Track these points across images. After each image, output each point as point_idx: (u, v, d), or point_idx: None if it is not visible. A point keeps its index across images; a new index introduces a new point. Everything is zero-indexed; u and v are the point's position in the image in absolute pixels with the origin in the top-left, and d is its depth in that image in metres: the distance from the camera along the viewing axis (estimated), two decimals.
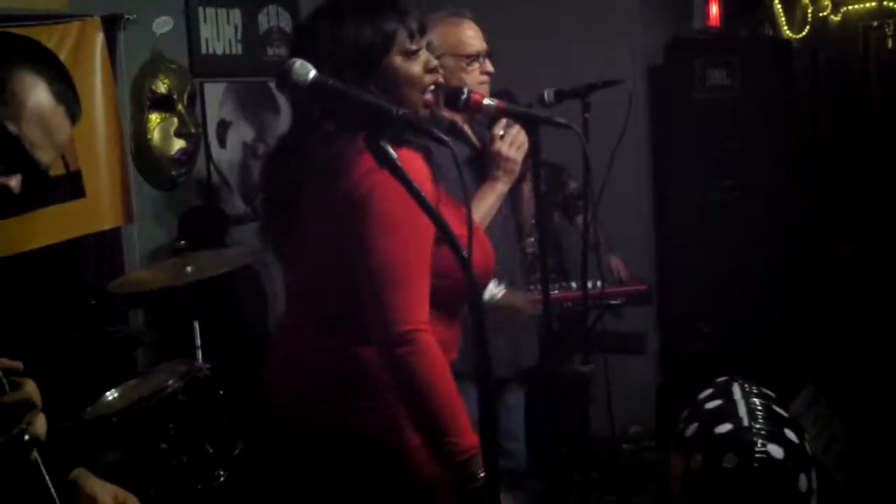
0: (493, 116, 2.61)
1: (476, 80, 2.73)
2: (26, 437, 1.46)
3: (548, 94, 3.04)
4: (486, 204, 2.66)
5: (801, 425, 1.57)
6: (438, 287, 2.09)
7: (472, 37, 2.83)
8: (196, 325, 3.28)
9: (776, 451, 1.49)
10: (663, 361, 5.17)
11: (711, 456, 1.50)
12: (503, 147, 2.66)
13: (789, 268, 5.09)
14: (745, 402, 1.56)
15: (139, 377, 3.22)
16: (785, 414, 1.57)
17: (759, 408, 1.55)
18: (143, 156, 4.12)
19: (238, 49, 4.56)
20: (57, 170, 3.74)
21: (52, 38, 3.63)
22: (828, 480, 3.21)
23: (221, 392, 3.12)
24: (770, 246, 4.99)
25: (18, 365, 1.47)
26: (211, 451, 3.00)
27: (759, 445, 1.48)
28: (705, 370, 4.63)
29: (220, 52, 4.46)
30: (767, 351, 4.82)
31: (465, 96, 2.27)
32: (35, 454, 1.52)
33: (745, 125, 4.96)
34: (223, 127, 4.49)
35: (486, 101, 2.33)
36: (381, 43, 2.08)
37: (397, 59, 2.10)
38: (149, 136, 4.12)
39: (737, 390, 1.61)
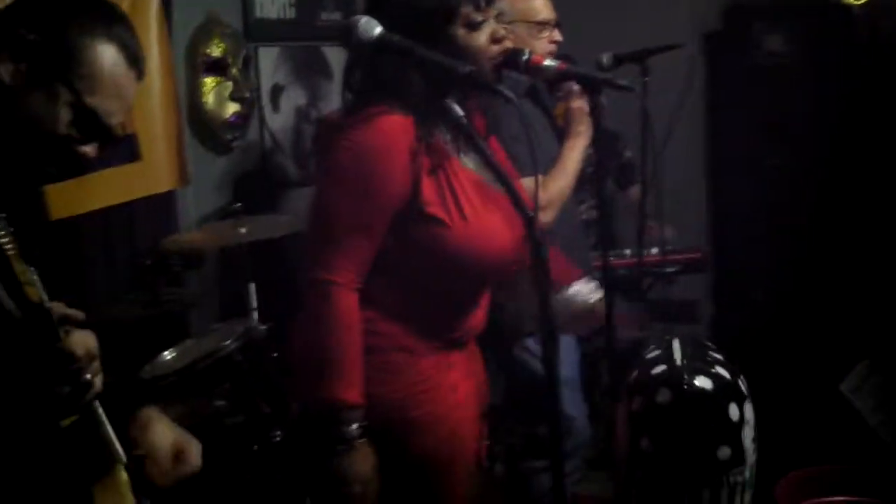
0: (553, 79, 2.59)
1: (544, 49, 2.75)
2: (87, 385, 1.47)
3: (606, 59, 3.03)
4: (574, 160, 2.68)
5: (735, 366, 1.67)
6: (429, 270, 2.14)
7: (542, 5, 2.88)
8: (251, 286, 3.30)
9: (705, 383, 1.59)
10: (715, 330, 5.13)
11: (648, 394, 1.61)
12: (582, 103, 2.66)
13: (846, 238, 5.01)
14: (682, 349, 1.67)
15: (196, 337, 3.25)
16: (718, 356, 1.68)
17: (693, 352, 1.67)
18: (197, 119, 4.14)
19: (292, 13, 4.55)
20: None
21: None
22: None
23: (277, 353, 3.14)
24: (826, 216, 4.91)
25: (79, 315, 1.48)
26: (267, 411, 3.03)
27: (687, 379, 1.59)
28: (758, 339, 4.61)
29: (273, 16, 4.46)
30: (821, 321, 4.76)
31: (525, 57, 2.24)
32: (96, 404, 1.54)
33: (802, 93, 4.86)
34: (277, 91, 4.50)
35: (547, 63, 2.31)
36: (441, 13, 2.08)
37: (461, 31, 2.11)
38: (203, 100, 4.14)
39: (676, 343, 1.71)
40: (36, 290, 1.39)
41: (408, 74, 1.95)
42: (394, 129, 2.03)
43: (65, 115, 1.55)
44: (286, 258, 4.17)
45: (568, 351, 3.27)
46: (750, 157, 4.98)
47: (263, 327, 3.16)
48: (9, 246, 1.36)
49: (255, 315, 3.30)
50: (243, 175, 4.33)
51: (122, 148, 3.79)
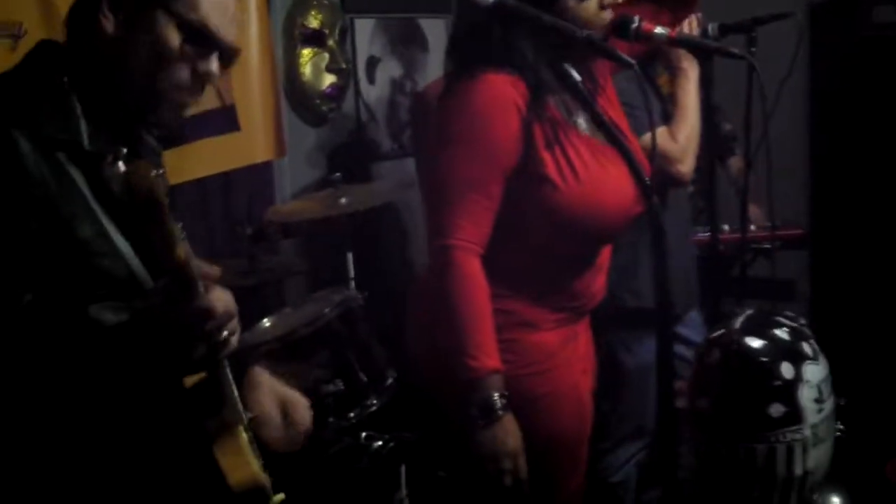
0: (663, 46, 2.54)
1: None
2: (225, 342, 1.47)
3: (711, 28, 2.95)
4: (691, 100, 2.68)
5: (805, 331, 1.68)
6: (545, 234, 2.11)
7: None
8: (350, 256, 3.32)
9: (755, 342, 1.62)
10: (814, 308, 5.01)
11: (701, 355, 1.66)
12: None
13: None
14: (749, 314, 1.70)
15: (295, 305, 3.28)
16: (786, 321, 1.69)
17: (757, 318, 1.70)
18: (294, 90, 4.17)
19: None
20: (211, 103, 3.82)
21: None
22: None
23: (374, 322, 3.15)
24: None
25: (216, 272, 1.48)
26: (364, 379, 3.04)
27: (736, 339, 1.63)
28: (857, 318, 4.49)
29: None
30: None
31: (635, 25, 2.20)
32: (224, 363, 1.54)
33: None
34: (372, 63, 4.50)
35: (658, 30, 2.26)
36: None
37: (571, 1, 2.07)
38: (300, 71, 4.17)
39: (747, 311, 1.74)
40: (183, 247, 1.39)
41: (522, 39, 1.93)
42: (503, 87, 2.01)
43: (174, 37, 1.56)
44: (382, 228, 4.20)
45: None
46: (854, 134, 4.84)
47: (361, 296, 3.16)
48: (166, 199, 1.38)
49: (353, 284, 3.31)
50: (338, 146, 4.35)
51: (220, 119, 3.84)
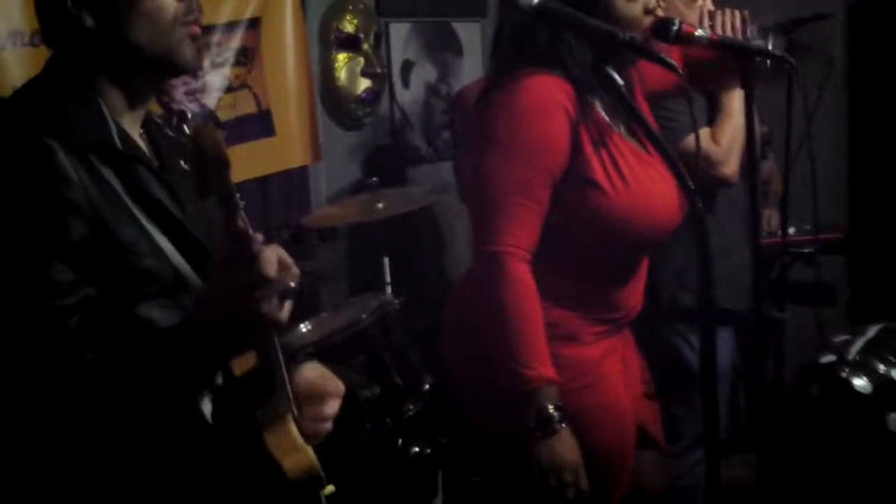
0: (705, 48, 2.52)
1: (697, 18, 2.66)
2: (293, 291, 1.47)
3: (751, 30, 2.92)
4: (735, 103, 2.62)
5: None
6: (592, 242, 2.07)
7: None
8: (386, 260, 3.32)
9: (861, 384, 1.45)
10: (852, 313, 4.95)
11: (802, 385, 1.46)
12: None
13: None
14: (870, 338, 1.48)
15: (331, 310, 3.28)
16: None
17: (879, 344, 1.44)
18: (329, 95, 4.18)
19: None
20: (248, 108, 3.84)
21: None
22: None
23: (411, 327, 3.15)
24: None
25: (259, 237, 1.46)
26: (401, 384, 3.04)
27: (843, 375, 1.40)
28: None
29: None
30: None
31: (675, 27, 2.18)
32: (277, 344, 1.54)
33: None
34: (407, 67, 4.51)
35: (699, 32, 2.23)
36: None
37: (620, 1, 2.05)
38: (336, 76, 4.17)
39: (874, 329, 1.53)
40: (243, 217, 1.40)
41: (566, 41, 1.90)
42: (550, 88, 1.97)
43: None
44: (418, 232, 4.19)
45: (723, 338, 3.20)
46: (894, 134, 4.78)
47: (397, 301, 3.16)
48: (230, 166, 1.39)
49: (389, 289, 3.31)
50: (373, 150, 4.36)
51: (256, 124, 3.86)
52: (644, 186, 2.01)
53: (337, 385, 1.75)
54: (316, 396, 1.71)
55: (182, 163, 1.71)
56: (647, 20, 2.08)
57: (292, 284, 1.44)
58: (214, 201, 1.42)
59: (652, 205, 2.02)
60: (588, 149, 2.00)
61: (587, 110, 1.99)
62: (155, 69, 1.60)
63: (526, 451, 1.96)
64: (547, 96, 1.96)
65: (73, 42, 1.56)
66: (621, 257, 2.14)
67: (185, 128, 1.58)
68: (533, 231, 2.01)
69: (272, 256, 1.42)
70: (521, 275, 1.99)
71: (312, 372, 1.74)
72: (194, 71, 1.66)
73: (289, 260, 1.46)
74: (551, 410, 1.94)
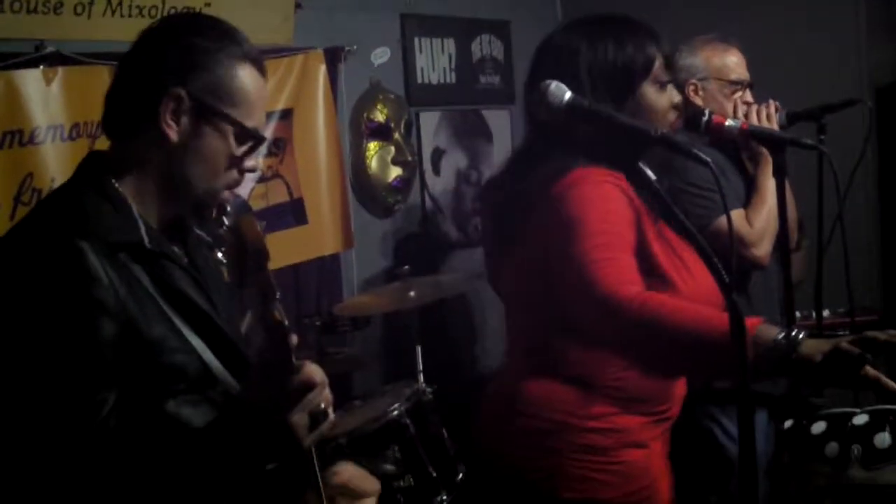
0: (735, 139, 2.53)
1: (731, 109, 2.70)
2: (325, 414, 1.46)
3: (780, 117, 2.94)
4: (770, 187, 2.54)
5: None
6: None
7: (737, 63, 2.83)
8: (418, 349, 3.31)
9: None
10: (882, 396, 4.87)
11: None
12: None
13: None
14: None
15: (364, 399, 3.27)
16: None
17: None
18: (361, 183, 4.23)
19: (452, 78, 4.62)
20: (280, 196, 3.89)
21: (278, 70, 3.78)
22: None
23: (443, 416, 3.13)
24: None
25: (295, 340, 1.47)
26: (434, 474, 3.01)
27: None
28: None
29: (434, 81, 4.54)
30: None
31: (706, 118, 2.20)
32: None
33: None
34: (437, 155, 4.56)
35: (729, 123, 2.26)
36: (642, 65, 2.01)
37: (651, 89, 2.04)
38: (367, 164, 4.23)
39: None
40: (280, 309, 1.42)
41: (601, 137, 1.88)
42: (606, 177, 1.92)
43: (234, 145, 1.61)
44: (450, 319, 4.19)
45: (759, 422, 3.15)
46: None
47: (430, 390, 3.15)
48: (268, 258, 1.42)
49: (421, 377, 3.30)
50: (405, 237, 4.39)
51: (289, 212, 3.91)
52: (700, 278, 1.89)
53: (373, 483, 1.74)
54: (350, 495, 1.70)
55: (218, 254, 1.74)
56: (672, 116, 2.07)
57: (322, 406, 1.45)
58: (251, 293, 1.44)
59: (711, 296, 1.80)
60: (650, 236, 1.94)
61: (642, 201, 1.95)
62: (183, 203, 1.65)
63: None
64: (612, 180, 1.90)
65: (140, 147, 1.60)
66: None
67: (225, 219, 1.61)
68: (634, 274, 1.86)
69: (313, 373, 1.43)
70: (659, 296, 1.80)
71: (347, 472, 1.74)
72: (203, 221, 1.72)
73: (324, 380, 1.47)
74: (780, 336, 1.67)
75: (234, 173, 1.64)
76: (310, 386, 1.42)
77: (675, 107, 2.08)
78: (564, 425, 2.04)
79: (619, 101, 1.96)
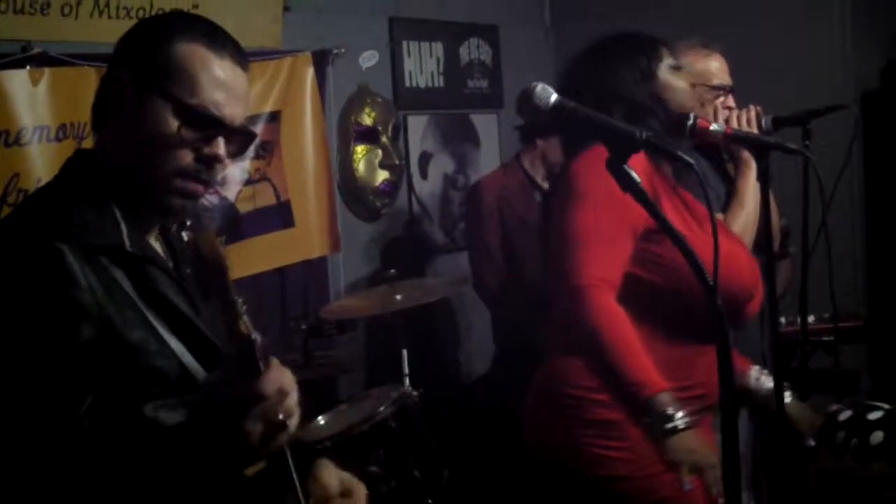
0: (720, 143, 2.54)
1: (712, 113, 2.71)
2: (281, 426, 1.42)
3: (765, 122, 2.95)
4: (750, 192, 2.63)
5: None
6: (667, 300, 2.10)
7: (719, 69, 2.84)
8: (404, 352, 3.31)
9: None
10: (874, 400, 4.89)
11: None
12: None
13: None
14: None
15: (350, 402, 3.27)
16: None
17: None
18: (348, 187, 4.23)
19: (440, 82, 4.63)
20: (267, 199, 3.89)
21: (266, 73, 3.78)
22: None
23: (429, 419, 3.13)
24: None
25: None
26: (419, 477, 3.01)
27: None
28: None
29: (422, 84, 4.55)
30: None
31: (690, 122, 2.21)
32: (287, 452, 1.51)
33: None
34: (425, 159, 4.56)
35: (713, 127, 2.27)
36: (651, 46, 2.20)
37: (666, 72, 2.20)
38: (354, 168, 4.23)
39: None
40: (246, 322, 1.40)
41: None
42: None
43: (171, 122, 1.54)
44: (436, 323, 4.19)
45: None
46: None
47: (416, 393, 3.15)
48: (229, 271, 1.40)
49: (407, 381, 3.30)
50: (391, 241, 4.39)
51: (275, 215, 3.90)
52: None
53: (359, 488, 1.73)
54: (334, 498, 1.68)
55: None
56: (695, 95, 2.23)
57: (281, 417, 1.40)
58: (216, 304, 1.43)
59: (727, 252, 2.02)
60: (665, 206, 2.09)
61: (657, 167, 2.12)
62: (141, 196, 1.59)
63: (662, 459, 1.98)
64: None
65: (107, 139, 1.60)
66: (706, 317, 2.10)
67: (184, 234, 1.59)
68: (615, 270, 2.08)
69: (276, 379, 1.40)
70: (608, 303, 2.04)
71: (331, 474, 1.72)
72: (178, 220, 1.67)
73: (290, 388, 1.43)
74: (670, 411, 1.96)
75: (188, 158, 1.55)
76: (264, 396, 1.40)
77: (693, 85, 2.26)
78: (579, 399, 2.16)
79: (642, 78, 2.16)
